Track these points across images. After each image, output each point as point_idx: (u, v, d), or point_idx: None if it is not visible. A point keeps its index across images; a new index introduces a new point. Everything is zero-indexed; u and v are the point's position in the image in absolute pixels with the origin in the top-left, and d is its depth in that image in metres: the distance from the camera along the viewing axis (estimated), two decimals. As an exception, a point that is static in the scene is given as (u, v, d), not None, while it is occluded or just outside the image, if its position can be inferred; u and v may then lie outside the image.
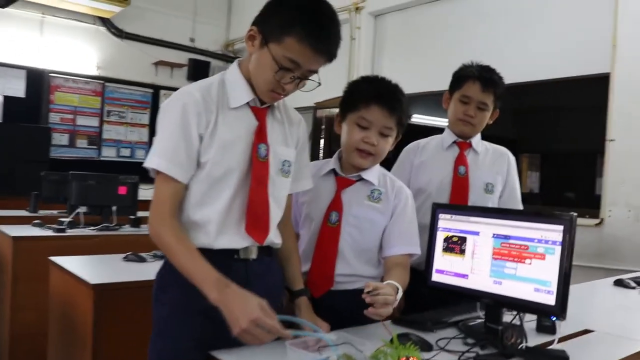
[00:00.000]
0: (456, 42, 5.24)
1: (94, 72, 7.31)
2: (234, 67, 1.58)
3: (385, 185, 1.86)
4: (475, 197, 2.17)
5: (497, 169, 2.23)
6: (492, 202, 2.20)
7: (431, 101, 5.08)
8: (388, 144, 1.79)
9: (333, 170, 1.87)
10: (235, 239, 1.52)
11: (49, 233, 3.68)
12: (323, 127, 6.91)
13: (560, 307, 1.56)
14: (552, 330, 1.79)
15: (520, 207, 2.28)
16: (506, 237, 1.70)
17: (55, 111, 7.09)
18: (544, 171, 5.16)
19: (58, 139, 7.07)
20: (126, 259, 2.81)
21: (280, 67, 1.45)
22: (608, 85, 4.08)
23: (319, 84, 1.52)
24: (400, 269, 1.76)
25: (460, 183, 2.16)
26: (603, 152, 4.11)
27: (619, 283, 2.73)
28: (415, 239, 1.84)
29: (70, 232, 3.75)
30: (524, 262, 1.65)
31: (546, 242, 1.61)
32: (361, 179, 1.84)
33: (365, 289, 1.48)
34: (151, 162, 1.49)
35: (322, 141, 6.91)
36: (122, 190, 4.16)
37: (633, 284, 2.68)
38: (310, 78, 1.49)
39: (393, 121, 1.75)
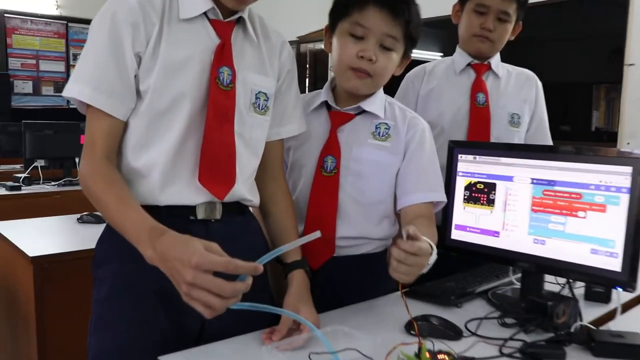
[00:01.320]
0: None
1: (54, 11, 6.66)
2: None
3: (394, 116, 1.43)
4: (498, 132, 1.75)
5: (523, 96, 1.80)
6: (518, 137, 1.78)
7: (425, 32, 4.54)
8: (391, 62, 1.34)
9: (325, 104, 1.43)
10: (187, 193, 1.13)
11: (1, 192, 3.24)
12: (307, 65, 6.39)
13: (629, 274, 1.18)
14: (604, 297, 1.41)
15: (550, 143, 1.87)
16: (550, 182, 1.30)
17: (15, 56, 6.47)
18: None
19: (20, 87, 6.49)
20: (81, 220, 2.40)
21: None
22: (627, 7, 3.60)
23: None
24: (425, 222, 1.31)
25: (479, 114, 1.73)
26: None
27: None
28: (439, 182, 1.41)
29: (26, 190, 3.33)
30: (575, 216, 1.25)
31: (608, 188, 1.21)
32: (362, 112, 1.41)
33: (403, 234, 1.05)
34: (71, 90, 1.09)
35: (307, 80, 6.40)
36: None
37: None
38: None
39: (397, 29, 1.30)
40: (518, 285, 1.49)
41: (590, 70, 4.02)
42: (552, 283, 1.42)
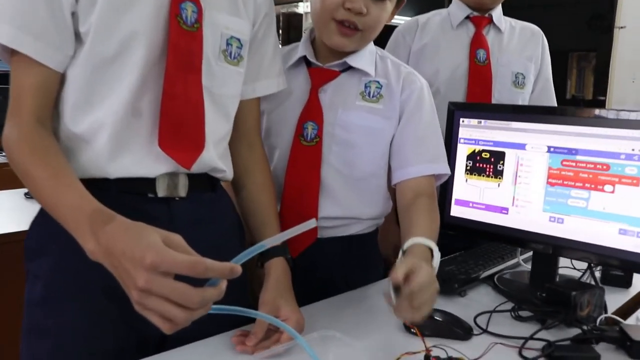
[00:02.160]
0: None
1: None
2: None
3: (387, 73, 1.20)
4: (500, 94, 1.54)
5: (528, 53, 1.59)
6: (522, 100, 1.58)
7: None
8: (384, 12, 1.11)
9: (304, 59, 1.20)
10: (145, 161, 0.89)
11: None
12: (280, 30, 6.09)
13: (667, 259, 1.00)
14: (624, 282, 1.24)
15: (555, 105, 1.68)
16: (571, 151, 1.11)
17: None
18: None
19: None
20: (28, 195, 2.14)
21: None
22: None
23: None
24: (425, 204, 1.11)
25: (479, 74, 1.52)
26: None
27: None
28: (441, 151, 1.20)
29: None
30: (601, 190, 1.07)
31: (642, 157, 1.02)
32: (348, 68, 1.18)
33: (392, 283, 0.84)
34: None
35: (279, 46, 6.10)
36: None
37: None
38: None
39: None
40: (526, 267, 1.31)
41: (567, 38, 3.84)
42: (565, 268, 1.25)
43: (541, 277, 1.17)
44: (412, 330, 0.95)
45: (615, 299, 1.17)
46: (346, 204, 1.17)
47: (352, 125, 1.15)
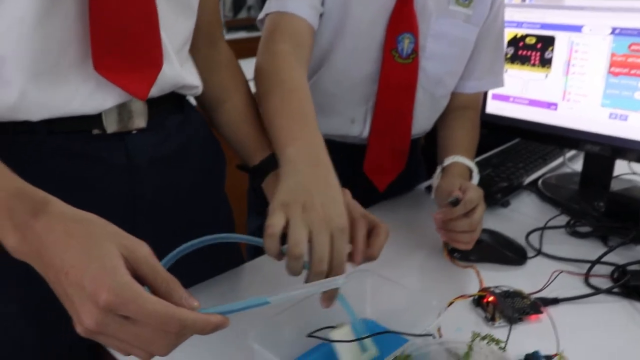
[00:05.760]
0: None
1: None
2: None
3: None
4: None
5: None
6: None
7: None
8: None
9: None
10: (80, 95, 0.60)
11: None
12: None
13: None
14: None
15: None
16: (641, 32, 0.91)
17: None
18: None
19: None
20: None
21: None
22: None
23: None
24: (471, 118, 0.97)
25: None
26: None
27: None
28: (501, 65, 1.02)
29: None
30: (677, 79, 0.89)
31: None
32: None
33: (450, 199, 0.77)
34: None
35: None
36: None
37: None
38: None
39: None
40: (572, 169, 1.17)
41: None
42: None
43: (594, 182, 1.02)
44: (456, 254, 0.82)
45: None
46: (423, 123, 1.00)
47: (445, 36, 0.93)
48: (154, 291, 0.43)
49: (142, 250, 0.43)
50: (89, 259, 0.41)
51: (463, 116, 0.98)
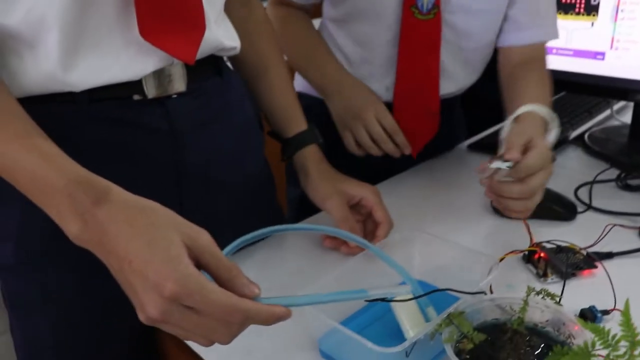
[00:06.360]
0: None
1: None
2: None
3: None
4: None
5: None
6: None
7: None
8: None
9: None
10: (122, 60, 0.59)
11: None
12: None
13: None
14: None
15: None
16: (697, -29, 0.86)
17: None
18: None
19: None
20: None
21: None
22: None
23: None
24: (539, 68, 0.90)
25: None
26: None
27: None
28: (552, 14, 0.95)
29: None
30: None
31: None
32: None
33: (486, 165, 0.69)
34: None
35: None
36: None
37: None
38: None
39: None
40: (620, 121, 1.12)
41: None
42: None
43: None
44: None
45: None
46: (459, 79, 0.97)
47: None
48: (216, 279, 0.43)
49: (204, 238, 0.44)
50: (153, 248, 0.42)
51: (530, 68, 0.90)
